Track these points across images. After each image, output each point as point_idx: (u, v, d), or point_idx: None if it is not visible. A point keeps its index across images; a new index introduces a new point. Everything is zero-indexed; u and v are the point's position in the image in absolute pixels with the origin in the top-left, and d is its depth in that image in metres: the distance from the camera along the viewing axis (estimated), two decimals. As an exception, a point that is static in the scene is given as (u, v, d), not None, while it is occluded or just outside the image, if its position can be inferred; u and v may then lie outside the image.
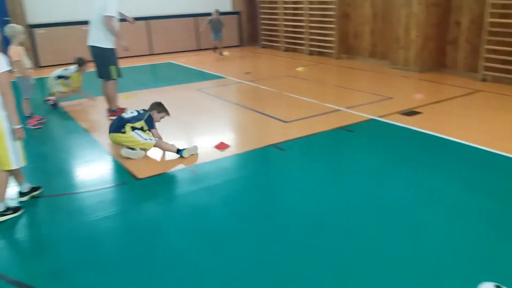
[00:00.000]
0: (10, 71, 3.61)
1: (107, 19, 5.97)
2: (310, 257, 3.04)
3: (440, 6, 8.81)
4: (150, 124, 5.12)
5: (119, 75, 6.48)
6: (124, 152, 4.91)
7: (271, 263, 2.99)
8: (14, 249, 3.36)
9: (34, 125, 6.17)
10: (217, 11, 11.90)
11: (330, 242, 3.22)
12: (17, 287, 2.86)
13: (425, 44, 8.99)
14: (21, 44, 6.01)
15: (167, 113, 5.38)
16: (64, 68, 7.48)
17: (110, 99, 6.54)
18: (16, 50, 5.91)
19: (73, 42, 11.31)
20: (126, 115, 5.12)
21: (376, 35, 10.41)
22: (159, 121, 5.29)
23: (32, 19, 10.95)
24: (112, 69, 6.34)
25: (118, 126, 5.02)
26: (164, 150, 5.07)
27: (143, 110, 5.22)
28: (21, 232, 3.59)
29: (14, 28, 5.85)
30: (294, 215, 3.64)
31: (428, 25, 8.86)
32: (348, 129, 5.71)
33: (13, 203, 3.89)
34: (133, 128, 4.98)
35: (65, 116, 6.86)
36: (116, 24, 6.18)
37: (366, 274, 2.84)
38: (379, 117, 6.17)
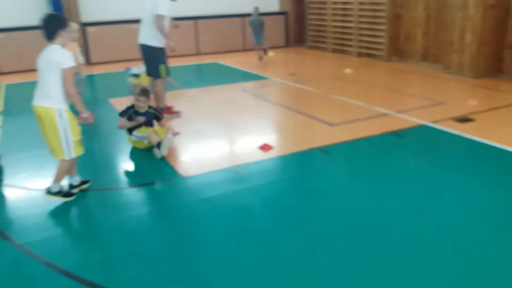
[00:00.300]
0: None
1: (158, 19, 6.02)
2: (351, 265, 2.95)
3: (498, 8, 8.41)
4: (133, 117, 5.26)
5: (168, 73, 6.53)
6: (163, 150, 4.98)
7: (314, 268, 2.93)
8: (64, 240, 3.45)
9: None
10: (256, 9, 11.03)
11: (374, 252, 3.11)
12: (67, 277, 2.93)
13: (481, 48, 8.61)
14: (75, 41, 6.23)
15: (140, 96, 5.29)
16: (140, 66, 7.67)
17: (158, 98, 6.58)
18: (70, 46, 6.12)
19: (124, 41, 11.62)
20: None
21: (428, 38, 10.08)
22: (140, 106, 5.31)
23: (86, 17, 11.32)
24: (161, 67, 6.39)
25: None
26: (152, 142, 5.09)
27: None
28: (70, 224, 3.70)
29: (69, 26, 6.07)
30: (338, 221, 3.55)
31: (485, 29, 8.47)
32: (397, 134, 5.54)
33: (66, 188, 4.07)
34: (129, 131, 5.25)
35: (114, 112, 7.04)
36: (166, 24, 6.23)
37: None
38: (430, 122, 5.95)
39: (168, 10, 6.12)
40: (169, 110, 6.61)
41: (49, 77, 3.71)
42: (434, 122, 5.98)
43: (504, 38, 8.55)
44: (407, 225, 3.47)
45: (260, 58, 11.60)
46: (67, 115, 3.78)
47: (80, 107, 3.88)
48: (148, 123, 5.33)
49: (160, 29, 6.09)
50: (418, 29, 10.28)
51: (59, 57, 3.69)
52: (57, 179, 3.94)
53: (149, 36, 6.23)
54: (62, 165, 3.92)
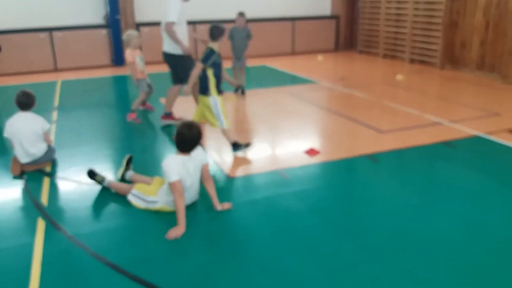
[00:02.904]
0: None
1: (168, 26, 5.81)
2: (403, 276, 2.86)
3: None
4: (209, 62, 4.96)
5: (186, 81, 5.97)
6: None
7: (365, 278, 2.86)
8: (113, 233, 3.53)
9: (133, 120, 6.58)
10: (242, 15, 8.01)
11: (424, 263, 3.00)
12: (113, 269, 3.00)
13: (544, 57, 8.17)
14: (136, 47, 6.50)
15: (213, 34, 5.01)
16: None
17: (168, 101, 6.29)
18: (130, 53, 6.43)
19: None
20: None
21: (486, 46, 9.67)
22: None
23: (140, 17, 11.63)
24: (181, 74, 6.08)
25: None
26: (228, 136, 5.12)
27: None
28: (120, 218, 3.78)
29: (129, 34, 6.56)
30: (386, 231, 3.46)
31: (549, 37, 8.05)
32: (449, 145, 5.34)
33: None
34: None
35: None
36: (181, 30, 5.96)
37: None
38: (484, 134, 5.71)
39: (179, 15, 5.89)
40: (172, 116, 6.32)
41: None
42: (488, 133, 5.73)
43: None
44: (457, 238, 3.34)
45: (237, 91, 8.10)
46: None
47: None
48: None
49: (172, 36, 5.85)
50: (475, 37, 9.89)
51: None
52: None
53: (168, 44, 6.07)
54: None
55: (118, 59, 11.21)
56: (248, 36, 7.96)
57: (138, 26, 11.53)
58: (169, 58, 6.17)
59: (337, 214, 3.76)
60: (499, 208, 3.82)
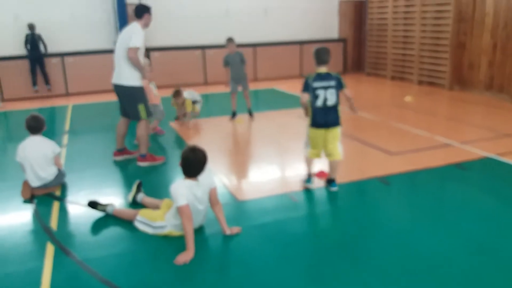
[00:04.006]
0: None
1: (132, 51, 5.19)
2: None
3: None
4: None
5: (149, 114, 5.64)
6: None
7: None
8: (122, 259, 3.51)
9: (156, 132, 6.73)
10: (231, 40, 7.81)
11: (438, 290, 2.94)
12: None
13: (553, 78, 8.14)
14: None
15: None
16: (189, 91, 7.98)
17: (140, 142, 5.64)
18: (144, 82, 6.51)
19: (185, 66, 12.00)
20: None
21: (494, 67, 9.66)
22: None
23: (151, 42, 11.81)
24: (141, 108, 5.53)
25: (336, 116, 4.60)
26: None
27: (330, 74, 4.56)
28: (129, 243, 3.76)
29: None
30: (396, 255, 3.40)
31: (558, 58, 8.03)
32: (460, 167, 5.29)
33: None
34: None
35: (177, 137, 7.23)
36: (142, 59, 5.45)
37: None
38: (495, 155, 5.65)
39: (143, 41, 5.34)
40: (152, 157, 5.72)
41: None
42: (499, 154, 5.67)
43: None
44: (468, 263, 3.28)
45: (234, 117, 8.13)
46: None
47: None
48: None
49: (135, 63, 5.26)
50: (483, 58, 9.90)
51: None
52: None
53: (123, 75, 5.39)
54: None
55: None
56: (242, 61, 7.86)
57: (148, 51, 11.71)
58: (122, 90, 5.50)
59: (346, 238, 3.72)
60: (509, 231, 3.75)
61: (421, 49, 11.49)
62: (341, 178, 4.99)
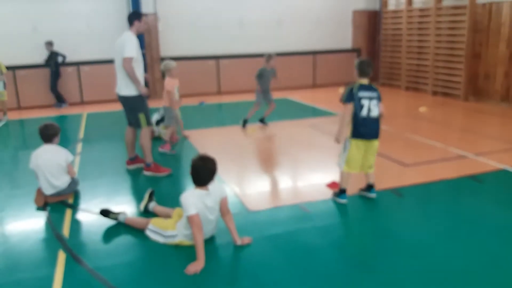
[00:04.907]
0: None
1: (126, 62, 5.21)
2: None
3: None
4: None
5: (149, 123, 5.63)
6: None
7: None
8: (132, 267, 3.51)
9: (165, 151, 6.62)
10: (272, 57, 8.04)
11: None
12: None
13: None
14: (175, 76, 6.71)
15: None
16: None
17: (144, 151, 5.63)
18: (170, 82, 6.67)
19: (198, 75, 12.06)
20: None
21: (510, 78, 9.55)
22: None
23: (165, 52, 11.91)
24: (141, 117, 5.53)
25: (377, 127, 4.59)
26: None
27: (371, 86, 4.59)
28: (139, 252, 3.76)
29: (167, 63, 6.71)
30: (410, 267, 3.34)
31: None
32: (475, 179, 5.20)
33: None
34: None
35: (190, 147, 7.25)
36: (138, 68, 5.39)
37: None
38: (511, 167, 5.56)
39: (136, 50, 5.32)
40: (156, 167, 5.66)
41: None
42: (517, 166, 5.58)
43: None
44: (483, 275, 3.21)
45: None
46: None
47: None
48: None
49: (129, 73, 5.24)
50: (499, 68, 9.79)
51: None
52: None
53: (123, 85, 5.42)
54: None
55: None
56: (274, 75, 8.12)
57: (162, 60, 11.80)
58: (123, 100, 5.56)
59: (358, 250, 3.67)
60: (529, 245, 3.67)
61: (435, 59, 11.41)
62: (354, 189, 4.94)
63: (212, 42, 12.25)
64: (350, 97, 4.50)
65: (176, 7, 11.93)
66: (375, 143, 4.59)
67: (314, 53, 13.46)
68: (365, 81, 4.58)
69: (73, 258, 3.60)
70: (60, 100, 10.93)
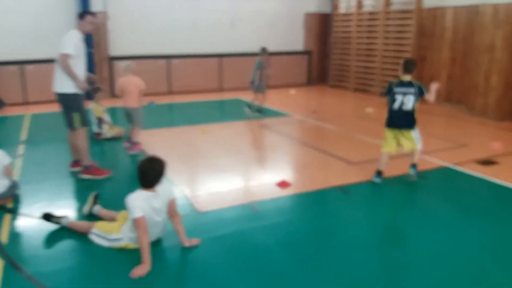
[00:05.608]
0: None
1: (63, 58, 5.05)
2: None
3: (525, 52, 8.32)
4: None
5: (84, 124, 5.38)
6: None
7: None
8: (73, 273, 3.39)
9: (136, 152, 6.44)
10: (265, 50, 9.84)
11: (395, 299, 2.96)
12: None
13: (507, 91, 8.47)
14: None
15: None
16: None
17: (80, 153, 5.41)
18: (140, 81, 6.57)
19: (148, 75, 11.84)
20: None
21: (453, 80, 9.98)
22: None
23: (114, 51, 11.62)
24: (75, 117, 5.29)
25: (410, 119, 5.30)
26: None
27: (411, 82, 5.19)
28: (81, 257, 3.64)
29: (129, 64, 6.75)
30: (356, 264, 3.42)
31: (512, 72, 8.37)
32: (419, 176, 5.39)
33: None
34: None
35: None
36: (78, 65, 5.22)
37: None
38: (453, 164, 5.80)
39: (76, 47, 5.13)
40: (96, 170, 5.46)
41: None
42: (456, 164, 5.83)
43: (531, 82, 8.41)
44: (425, 270, 3.33)
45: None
46: None
47: None
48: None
49: (66, 69, 5.08)
50: (443, 71, 10.21)
51: None
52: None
53: (58, 83, 5.24)
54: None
55: (89, 93, 11.10)
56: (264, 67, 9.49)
57: (111, 59, 11.52)
58: (59, 98, 5.33)
59: (307, 248, 3.71)
60: (465, 237, 3.84)
61: (383, 61, 11.76)
62: (303, 187, 5.01)
63: (163, 41, 12.04)
64: (387, 91, 5.24)
65: (127, 6, 11.66)
66: (408, 133, 5.20)
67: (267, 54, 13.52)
68: (407, 77, 5.16)
69: (11, 265, 3.43)
70: None
